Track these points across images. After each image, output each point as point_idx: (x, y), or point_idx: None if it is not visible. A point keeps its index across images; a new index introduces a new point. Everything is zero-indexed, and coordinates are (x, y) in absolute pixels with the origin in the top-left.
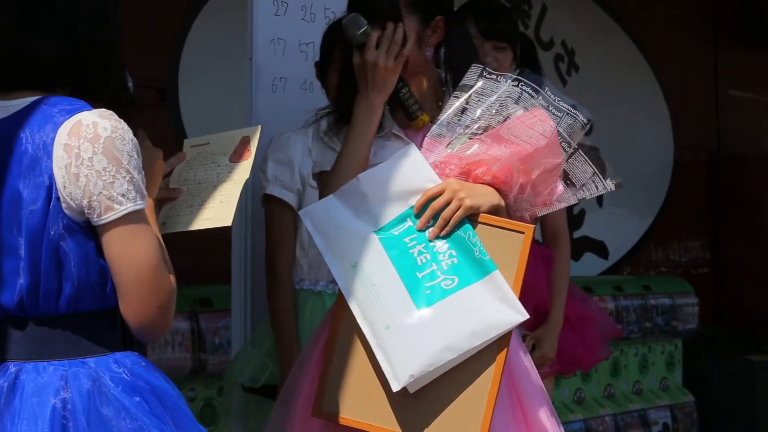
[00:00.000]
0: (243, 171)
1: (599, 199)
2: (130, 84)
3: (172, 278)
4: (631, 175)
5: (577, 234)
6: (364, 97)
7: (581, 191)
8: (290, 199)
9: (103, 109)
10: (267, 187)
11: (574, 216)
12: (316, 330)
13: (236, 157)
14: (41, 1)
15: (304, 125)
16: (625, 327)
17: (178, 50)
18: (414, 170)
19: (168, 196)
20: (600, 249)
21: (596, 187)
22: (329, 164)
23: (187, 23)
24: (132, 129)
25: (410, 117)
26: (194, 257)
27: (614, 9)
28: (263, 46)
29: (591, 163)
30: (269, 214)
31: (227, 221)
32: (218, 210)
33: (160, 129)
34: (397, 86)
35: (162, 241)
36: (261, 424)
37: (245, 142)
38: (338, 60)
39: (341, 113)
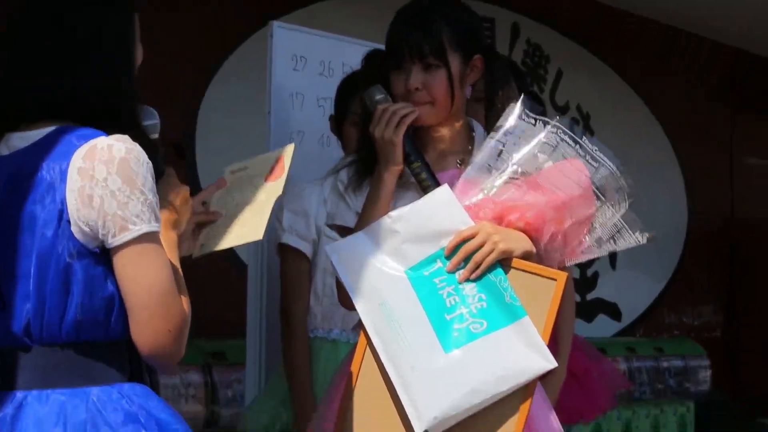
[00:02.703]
0: (276, 188)
1: (613, 262)
2: (156, 121)
3: (186, 304)
4: None
5: (590, 296)
6: (377, 169)
7: (611, 244)
8: (305, 248)
9: (119, 134)
10: (282, 237)
11: (588, 278)
12: (334, 379)
13: (271, 176)
14: (55, 49)
15: (323, 175)
16: (638, 388)
17: (196, 107)
18: (447, 211)
19: (207, 219)
20: (613, 311)
21: (625, 241)
22: (341, 217)
23: (206, 80)
24: (161, 164)
25: (423, 191)
26: (209, 312)
27: (630, 75)
28: (282, 100)
29: (619, 217)
30: (284, 263)
31: (258, 235)
32: (250, 226)
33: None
34: (410, 159)
35: (179, 266)
36: None
37: (280, 161)
38: (354, 113)
39: (360, 165)
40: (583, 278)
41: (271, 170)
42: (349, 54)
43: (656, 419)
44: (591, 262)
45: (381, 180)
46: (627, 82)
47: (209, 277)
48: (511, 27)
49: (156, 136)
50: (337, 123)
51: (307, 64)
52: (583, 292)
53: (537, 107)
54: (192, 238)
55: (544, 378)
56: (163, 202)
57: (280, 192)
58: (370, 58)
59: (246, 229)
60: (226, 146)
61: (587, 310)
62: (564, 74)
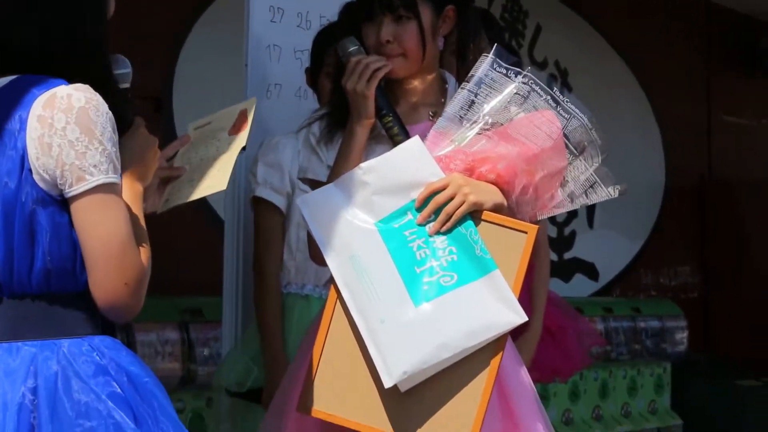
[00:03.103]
0: (240, 141)
1: (590, 221)
2: (127, 70)
3: (145, 257)
4: (622, 197)
5: (567, 255)
6: (349, 122)
7: (583, 197)
8: (279, 202)
9: (80, 84)
10: (256, 190)
11: (565, 237)
12: (306, 337)
13: (235, 130)
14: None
15: (297, 129)
16: (614, 348)
17: (173, 60)
18: (418, 163)
19: (171, 174)
20: (590, 271)
21: (597, 194)
22: (313, 171)
23: (183, 33)
24: (131, 115)
25: (395, 144)
26: (186, 269)
27: (608, 32)
28: (259, 52)
29: (592, 171)
30: (258, 217)
31: (222, 186)
32: (215, 178)
33: None
34: (381, 112)
35: (142, 218)
36: (247, 429)
37: (243, 114)
38: (329, 65)
39: (333, 118)
40: (560, 237)
41: (235, 123)
42: (326, 6)
43: (633, 380)
44: (568, 221)
45: (353, 133)
46: (605, 38)
47: (187, 235)
48: None
49: (127, 85)
50: (313, 75)
51: (284, 15)
52: (561, 251)
53: (510, 57)
54: (157, 194)
55: (519, 334)
56: (131, 153)
57: (244, 143)
58: (347, 10)
59: (211, 181)
60: (203, 99)
61: (564, 269)
62: (542, 30)
